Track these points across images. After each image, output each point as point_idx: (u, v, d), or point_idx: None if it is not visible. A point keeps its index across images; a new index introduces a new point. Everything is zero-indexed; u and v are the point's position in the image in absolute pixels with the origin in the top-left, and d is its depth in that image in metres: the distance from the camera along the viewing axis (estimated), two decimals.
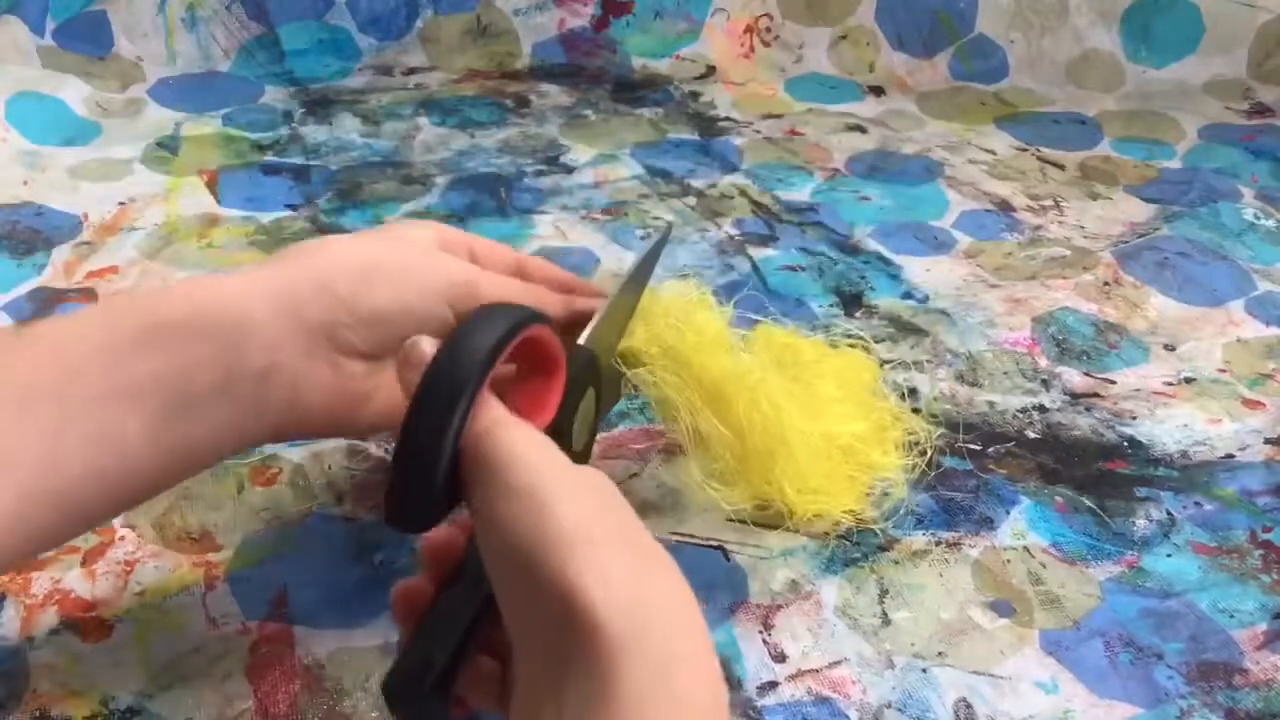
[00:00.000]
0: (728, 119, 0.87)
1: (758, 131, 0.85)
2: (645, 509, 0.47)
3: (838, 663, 0.41)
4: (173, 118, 0.82)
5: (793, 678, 0.40)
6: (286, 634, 0.41)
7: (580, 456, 0.38)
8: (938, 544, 0.46)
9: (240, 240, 0.66)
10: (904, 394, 0.53)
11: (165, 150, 0.77)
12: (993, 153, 0.82)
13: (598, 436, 0.43)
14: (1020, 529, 0.47)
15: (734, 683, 0.40)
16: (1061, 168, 0.81)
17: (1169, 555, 0.46)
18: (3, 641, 0.40)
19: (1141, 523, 0.48)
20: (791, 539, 0.46)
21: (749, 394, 0.43)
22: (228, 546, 0.45)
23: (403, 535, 0.45)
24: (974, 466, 0.50)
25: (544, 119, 0.85)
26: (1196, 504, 0.49)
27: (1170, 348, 0.60)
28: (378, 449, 0.50)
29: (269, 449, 0.49)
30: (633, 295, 0.45)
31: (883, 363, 0.57)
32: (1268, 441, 0.53)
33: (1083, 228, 0.72)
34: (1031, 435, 0.53)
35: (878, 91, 0.92)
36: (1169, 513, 0.48)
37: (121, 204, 0.70)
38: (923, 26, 0.94)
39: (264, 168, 0.75)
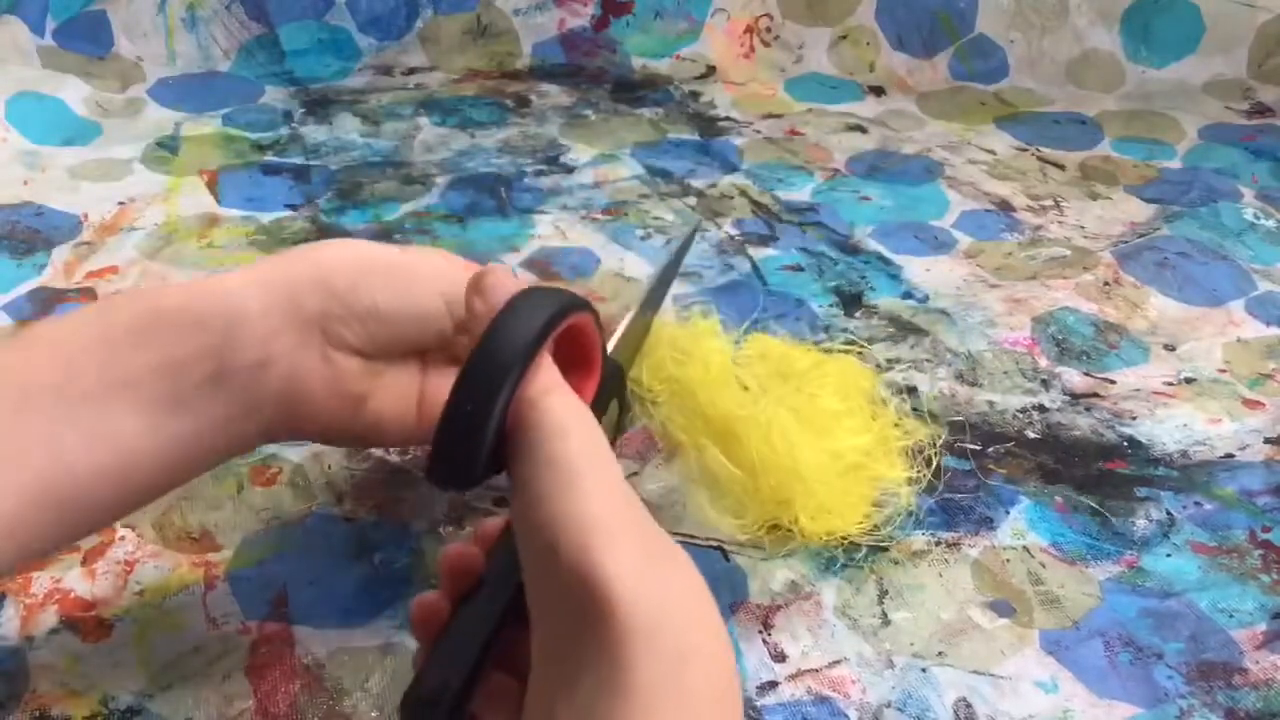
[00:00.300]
0: (728, 119, 0.87)
1: (758, 131, 0.85)
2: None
3: (837, 662, 0.41)
4: (173, 118, 0.82)
5: (792, 677, 0.40)
6: (286, 634, 0.41)
7: None
8: (937, 544, 0.46)
9: (240, 240, 0.66)
10: (904, 392, 0.53)
11: (165, 150, 0.77)
12: (993, 153, 0.82)
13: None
14: (1020, 529, 0.47)
15: None
16: (1061, 168, 0.81)
17: (1169, 555, 0.46)
18: (3, 641, 0.40)
19: (1141, 522, 0.48)
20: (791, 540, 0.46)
21: (761, 432, 0.42)
22: (228, 546, 0.45)
23: (403, 536, 0.45)
24: (974, 466, 0.50)
25: (544, 119, 0.85)
26: (1196, 504, 0.49)
27: (1170, 348, 0.60)
28: (377, 449, 0.50)
29: (269, 449, 0.49)
30: (654, 308, 0.45)
31: (882, 364, 0.57)
32: (1267, 441, 0.53)
33: (1083, 228, 0.72)
34: (1031, 435, 0.53)
35: (878, 91, 0.92)
36: (1169, 512, 0.48)
37: (121, 204, 0.70)
38: (923, 26, 0.94)
39: (264, 168, 0.75)
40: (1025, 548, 0.46)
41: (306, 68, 0.90)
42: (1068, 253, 0.69)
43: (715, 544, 0.45)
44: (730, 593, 0.43)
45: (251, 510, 0.46)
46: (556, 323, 0.30)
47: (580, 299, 0.33)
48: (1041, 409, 0.54)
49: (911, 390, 0.55)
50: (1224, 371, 0.58)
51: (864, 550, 0.45)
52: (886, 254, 0.68)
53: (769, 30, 0.95)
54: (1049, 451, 0.52)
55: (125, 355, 0.32)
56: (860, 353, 0.51)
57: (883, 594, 0.44)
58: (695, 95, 0.90)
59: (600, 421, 0.36)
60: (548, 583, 0.28)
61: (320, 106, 0.85)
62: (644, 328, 0.44)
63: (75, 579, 0.43)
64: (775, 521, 0.44)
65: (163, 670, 0.39)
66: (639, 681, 0.25)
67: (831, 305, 0.62)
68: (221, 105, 0.84)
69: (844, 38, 0.95)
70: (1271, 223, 0.72)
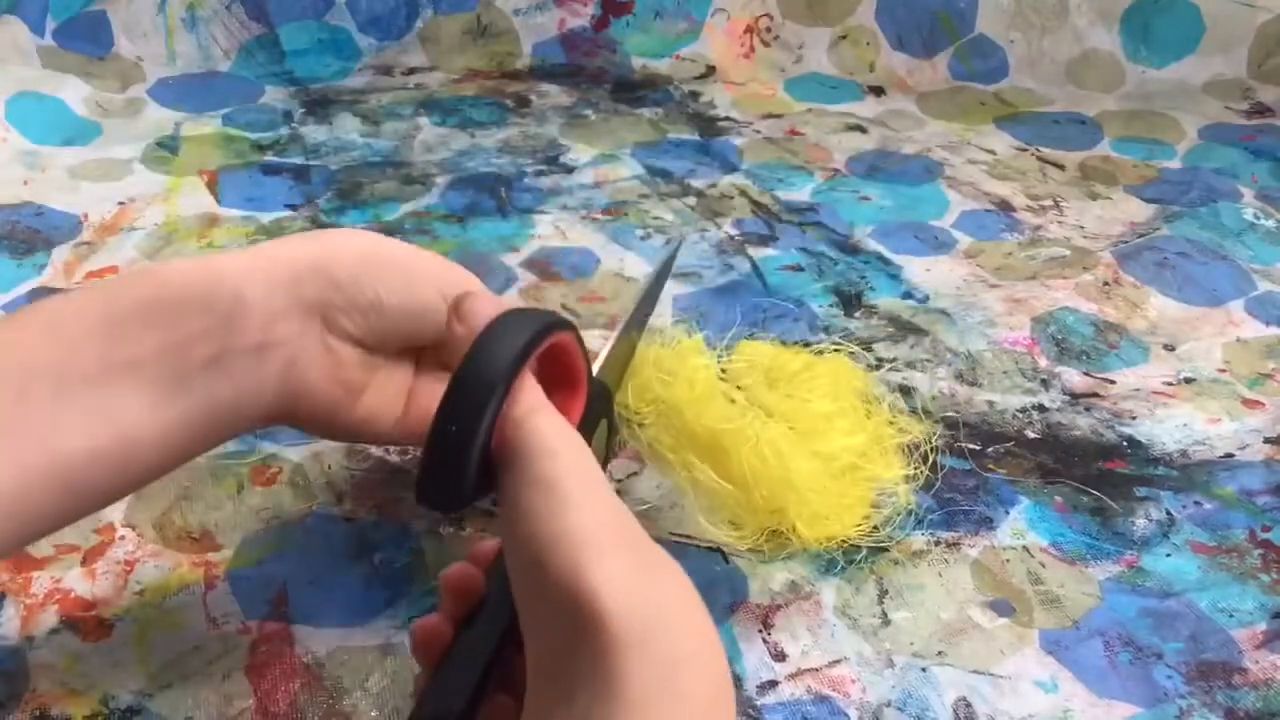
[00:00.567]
0: (728, 119, 0.87)
1: (758, 131, 0.85)
2: (644, 509, 0.47)
3: (837, 661, 0.41)
4: (173, 118, 0.82)
5: (792, 677, 0.40)
6: (286, 633, 0.41)
7: None
8: (937, 544, 0.46)
9: (240, 240, 0.66)
10: (899, 390, 0.53)
11: (165, 150, 0.77)
12: (993, 153, 0.82)
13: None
14: (1020, 528, 0.47)
15: (734, 682, 0.39)
16: (1061, 168, 0.81)
17: (1168, 555, 0.46)
18: (3, 641, 0.40)
19: (1141, 522, 0.48)
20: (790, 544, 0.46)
21: (750, 445, 0.42)
22: (228, 546, 0.45)
23: (403, 536, 0.45)
24: (974, 466, 0.50)
25: (544, 119, 0.85)
26: (1196, 503, 0.49)
27: (1170, 348, 0.60)
28: (377, 449, 0.50)
29: (269, 449, 0.49)
30: (638, 329, 0.45)
31: (880, 363, 0.57)
32: (1267, 441, 0.53)
33: (1083, 228, 0.72)
34: (1031, 435, 0.53)
35: (878, 91, 0.92)
36: (1168, 512, 0.48)
37: (121, 204, 0.70)
38: (923, 26, 0.94)
39: (264, 168, 0.75)
40: (1025, 547, 0.46)
41: (306, 68, 0.90)
42: (1067, 253, 0.69)
43: (715, 545, 0.45)
44: (730, 593, 0.43)
45: (251, 510, 0.46)
46: (538, 342, 0.31)
47: (561, 318, 0.33)
48: (1041, 409, 0.54)
49: (912, 390, 0.55)
50: (1224, 371, 0.58)
51: (864, 550, 0.45)
52: (886, 254, 0.68)
53: (769, 30, 0.95)
54: (1049, 451, 0.52)
55: (127, 336, 0.32)
56: (852, 353, 0.50)
57: (882, 594, 0.44)
58: (695, 95, 0.90)
59: (590, 444, 0.35)
60: (539, 600, 0.28)
61: (320, 106, 0.85)
62: (629, 349, 0.44)
63: (75, 579, 0.43)
64: (774, 529, 0.44)
65: (163, 670, 0.39)
66: (633, 691, 0.25)
67: (831, 305, 0.62)
68: (221, 105, 0.84)
69: (844, 38, 0.95)
70: (1271, 223, 0.72)
